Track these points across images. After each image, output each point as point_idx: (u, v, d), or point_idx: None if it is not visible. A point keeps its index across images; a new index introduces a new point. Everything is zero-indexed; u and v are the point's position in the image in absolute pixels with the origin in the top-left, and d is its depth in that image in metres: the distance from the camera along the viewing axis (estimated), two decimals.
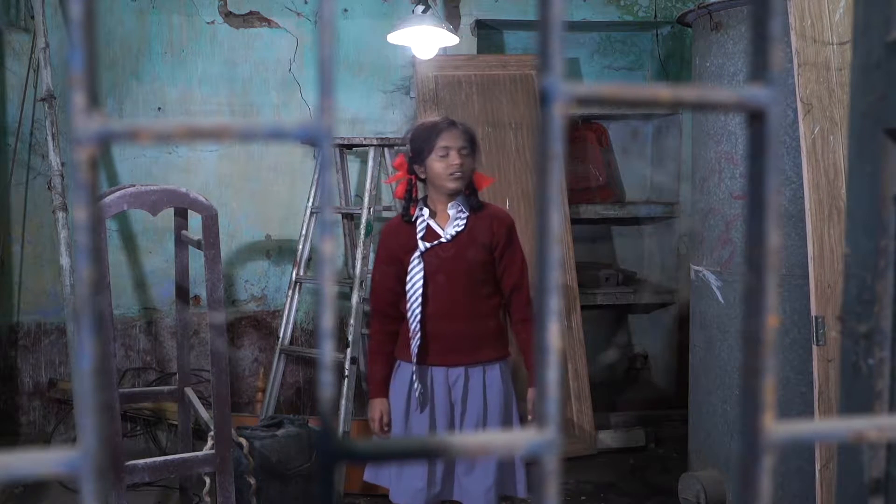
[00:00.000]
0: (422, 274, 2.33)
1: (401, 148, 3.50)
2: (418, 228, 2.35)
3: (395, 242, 2.39)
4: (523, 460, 2.40)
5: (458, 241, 2.34)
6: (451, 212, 2.36)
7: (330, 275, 0.35)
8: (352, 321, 3.52)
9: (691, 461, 3.28)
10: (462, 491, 2.37)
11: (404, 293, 2.36)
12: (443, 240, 2.34)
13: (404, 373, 2.39)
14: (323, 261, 0.34)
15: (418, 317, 2.33)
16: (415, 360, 2.34)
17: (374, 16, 4.18)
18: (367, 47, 4.17)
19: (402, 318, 2.40)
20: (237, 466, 2.55)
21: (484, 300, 2.38)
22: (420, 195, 2.46)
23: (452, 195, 2.36)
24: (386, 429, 2.39)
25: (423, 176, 2.37)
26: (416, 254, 2.33)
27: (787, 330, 2.81)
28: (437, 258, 2.34)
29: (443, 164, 2.30)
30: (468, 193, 2.40)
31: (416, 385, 2.36)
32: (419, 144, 2.34)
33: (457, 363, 2.36)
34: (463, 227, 2.35)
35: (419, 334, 2.34)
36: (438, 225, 2.37)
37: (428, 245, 2.34)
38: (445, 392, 2.37)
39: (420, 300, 2.33)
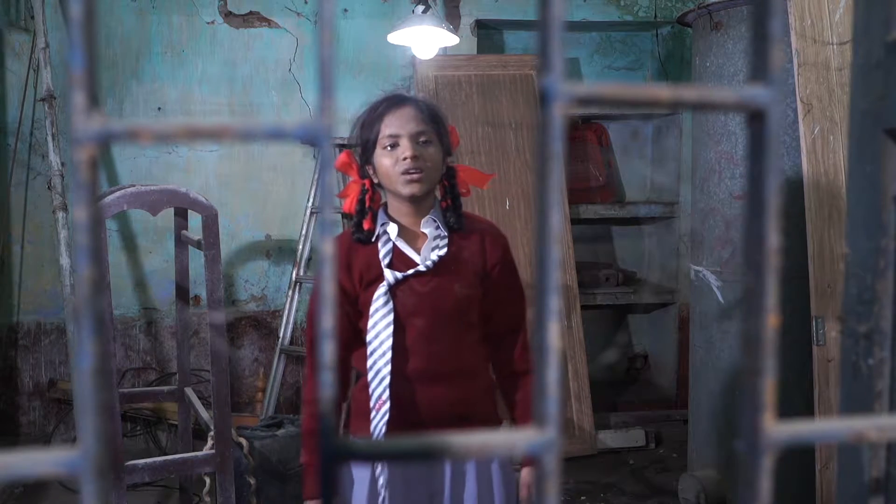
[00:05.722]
0: (392, 317, 1.63)
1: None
2: (382, 253, 1.67)
3: (346, 271, 1.69)
4: None
5: (441, 269, 1.67)
6: (428, 230, 1.68)
7: (330, 275, 0.35)
8: None
9: (691, 461, 3.28)
10: None
11: (360, 344, 1.68)
12: (420, 268, 1.66)
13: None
14: (323, 261, 0.34)
15: (386, 379, 1.62)
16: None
17: (374, 16, 4.18)
18: (367, 47, 4.17)
19: (351, 379, 1.80)
20: (237, 466, 2.55)
21: (474, 350, 1.72)
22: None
23: (418, 204, 1.68)
24: None
25: (376, 179, 1.69)
26: (382, 289, 1.64)
27: (787, 330, 2.81)
28: (414, 294, 1.66)
29: (390, 158, 1.63)
30: (448, 204, 1.71)
31: (381, 484, 1.64)
32: (364, 134, 1.68)
33: None
34: (446, 249, 1.67)
35: (387, 405, 1.63)
36: (411, 247, 1.69)
37: (399, 276, 1.65)
38: (424, 481, 1.70)
39: (390, 356, 1.63)
